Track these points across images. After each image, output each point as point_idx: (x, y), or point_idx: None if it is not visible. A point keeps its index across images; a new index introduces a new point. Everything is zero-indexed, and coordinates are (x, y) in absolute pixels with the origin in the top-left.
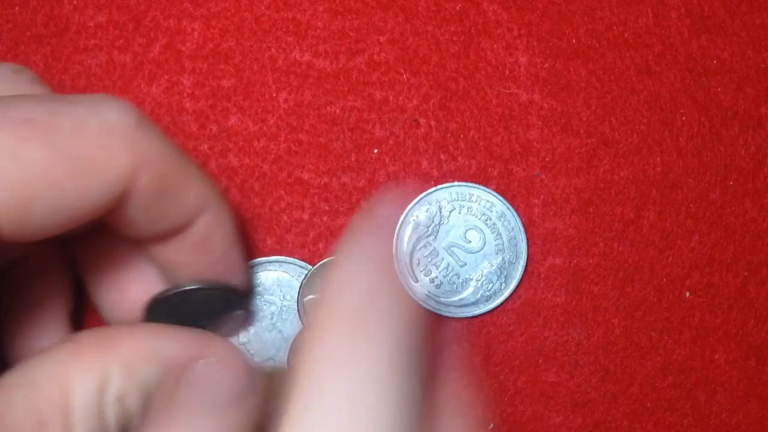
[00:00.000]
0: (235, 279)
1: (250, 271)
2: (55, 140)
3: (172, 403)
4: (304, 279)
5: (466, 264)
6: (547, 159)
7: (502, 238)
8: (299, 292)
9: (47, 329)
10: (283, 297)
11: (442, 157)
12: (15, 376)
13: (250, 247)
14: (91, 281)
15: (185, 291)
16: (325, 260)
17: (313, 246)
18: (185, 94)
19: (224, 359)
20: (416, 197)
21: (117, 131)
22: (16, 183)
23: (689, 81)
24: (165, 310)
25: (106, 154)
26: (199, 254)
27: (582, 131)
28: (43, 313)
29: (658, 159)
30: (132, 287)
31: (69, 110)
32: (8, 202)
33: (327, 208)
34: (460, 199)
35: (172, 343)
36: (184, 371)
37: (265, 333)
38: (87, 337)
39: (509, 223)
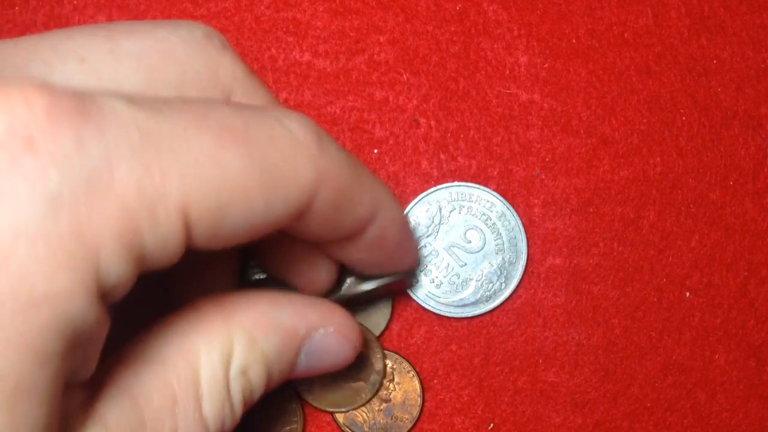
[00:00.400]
0: (409, 261)
1: (419, 249)
2: (251, 150)
3: (293, 375)
4: None
5: (466, 264)
6: (547, 159)
7: (502, 238)
8: None
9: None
10: None
11: (442, 157)
12: (143, 350)
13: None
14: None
15: (362, 292)
16: None
17: None
18: None
19: (342, 329)
20: (416, 197)
21: (303, 146)
22: (216, 189)
23: (689, 81)
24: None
25: (293, 169)
26: (375, 251)
27: (582, 131)
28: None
29: (658, 159)
30: (306, 280)
31: (261, 121)
32: (206, 208)
33: None
34: (460, 199)
35: (291, 312)
36: (303, 342)
37: None
38: (208, 304)
39: (509, 223)
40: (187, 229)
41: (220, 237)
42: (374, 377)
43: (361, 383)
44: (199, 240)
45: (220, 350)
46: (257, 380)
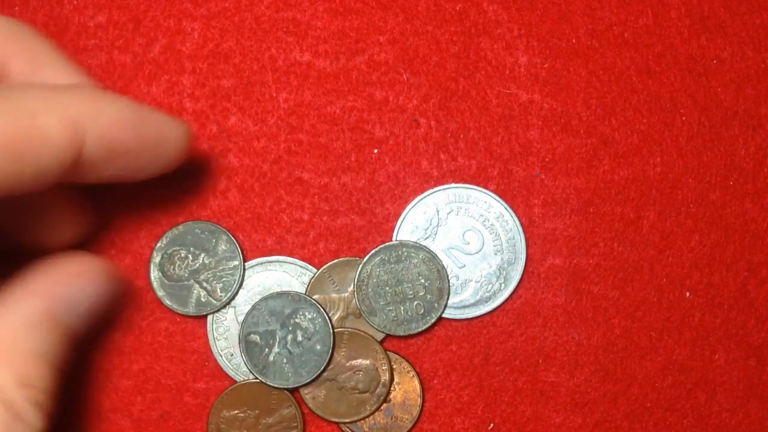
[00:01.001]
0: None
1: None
2: None
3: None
4: (310, 280)
5: (465, 266)
6: (547, 159)
7: (500, 238)
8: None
9: None
10: None
11: (442, 157)
12: None
13: (250, 248)
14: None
15: None
16: (332, 262)
17: (313, 246)
18: (185, 94)
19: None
20: (414, 200)
21: None
22: None
23: (689, 81)
24: None
25: None
26: (115, 159)
27: (582, 131)
28: None
29: (658, 159)
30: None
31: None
32: None
33: (327, 208)
34: (457, 200)
35: None
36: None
37: None
38: None
39: (507, 224)
40: None
41: None
42: (380, 390)
43: (366, 395)
44: None
45: None
46: (44, 380)
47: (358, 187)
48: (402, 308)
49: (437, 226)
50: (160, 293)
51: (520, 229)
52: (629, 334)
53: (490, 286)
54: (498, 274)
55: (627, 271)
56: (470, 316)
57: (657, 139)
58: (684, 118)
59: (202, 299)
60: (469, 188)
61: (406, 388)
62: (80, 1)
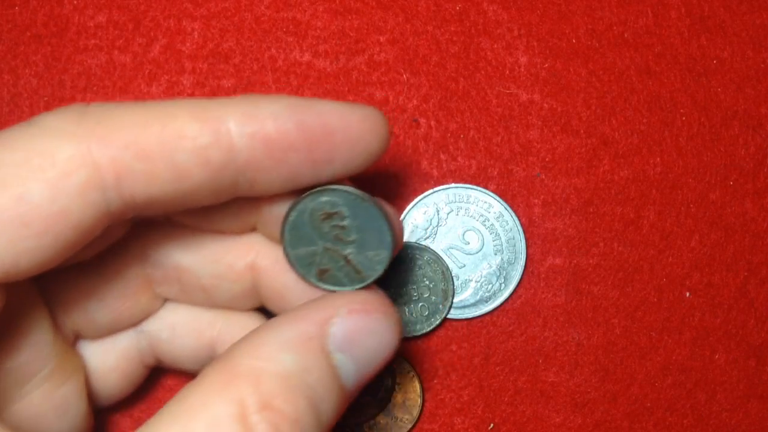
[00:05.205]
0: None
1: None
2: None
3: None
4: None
5: (465, 265)
6: (547, 159)
7: (500, 238)
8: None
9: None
10: None
11: (442, 157)
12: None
13: None
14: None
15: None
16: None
17: None
18: (185, 94)
19: (357, 304)
20: (414, 200)
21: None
22: None
23: (689, 81)
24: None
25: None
26: (270, 153)
27: (582, 131)
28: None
29: (658, 159)
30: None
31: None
32: None
33: None
34: (457, 200)
35: (289, 325)
36: (323, 341)
37: None
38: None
39: (507, 224)
40: None
41: None
42: (382, 393)
43: (368, 398)
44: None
45: (232, 405)
46: (291, 407)
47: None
48: (406, 310)
49: (437, 226)
50: None
51: (520, 229)
52: (629, 334)
53: (490, 286)
54: (498, 274)
55: (627, 271)
56: (470, 316)
57: (657, 139)
58: (684, 118)
59: None
60: (469, 188)
61: (406, 388)
62: (80, 1)
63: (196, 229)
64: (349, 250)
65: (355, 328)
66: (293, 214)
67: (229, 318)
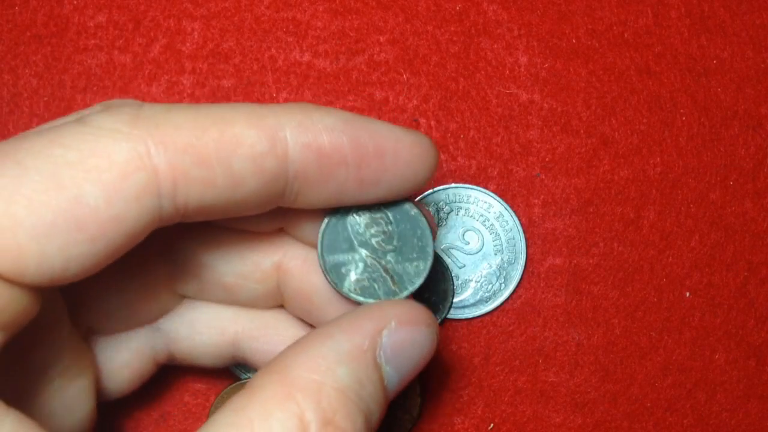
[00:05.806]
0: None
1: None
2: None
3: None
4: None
5: (465, 266)
6: (547, 159)
7: (500, 238)
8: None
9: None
10: None
11: (442, 157)
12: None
13: None
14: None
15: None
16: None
17: None
18: (185, 94)
19: (404, 317)
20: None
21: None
22: None
23: (689, 81)
24: None
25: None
26: (326, 174)
27: (582, 131)
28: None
29: (658, 159)
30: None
31: (68, 130)
32: None
33: None
34: (457, 200)
35: (344, 336)
36: (375, 353)
37: None
38: (266, 381)
39: (507, 224)
40: None
41: None
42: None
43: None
44: None
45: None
46: (350, 423)
47: None
48: None
49: (437, 226)
50: None
51: (520, 229)
52: (629, 334)
53: (490, 286)
54: (498, 274)
55: (627, 271)
56: (470, 316)
57: (657, 139)
58: (684, 118)
59: None
60: (469, 188)
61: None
62: (80, 1)
63: (223, 227)
64: (388, 258)
65: (401, 340)
66: (333, 219)
67: (251, 314)
